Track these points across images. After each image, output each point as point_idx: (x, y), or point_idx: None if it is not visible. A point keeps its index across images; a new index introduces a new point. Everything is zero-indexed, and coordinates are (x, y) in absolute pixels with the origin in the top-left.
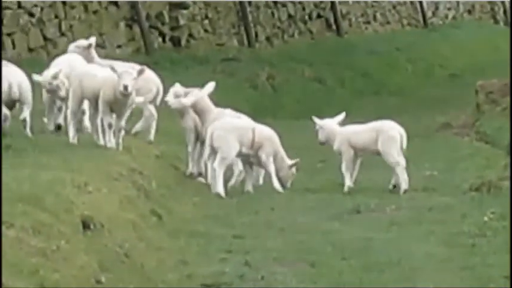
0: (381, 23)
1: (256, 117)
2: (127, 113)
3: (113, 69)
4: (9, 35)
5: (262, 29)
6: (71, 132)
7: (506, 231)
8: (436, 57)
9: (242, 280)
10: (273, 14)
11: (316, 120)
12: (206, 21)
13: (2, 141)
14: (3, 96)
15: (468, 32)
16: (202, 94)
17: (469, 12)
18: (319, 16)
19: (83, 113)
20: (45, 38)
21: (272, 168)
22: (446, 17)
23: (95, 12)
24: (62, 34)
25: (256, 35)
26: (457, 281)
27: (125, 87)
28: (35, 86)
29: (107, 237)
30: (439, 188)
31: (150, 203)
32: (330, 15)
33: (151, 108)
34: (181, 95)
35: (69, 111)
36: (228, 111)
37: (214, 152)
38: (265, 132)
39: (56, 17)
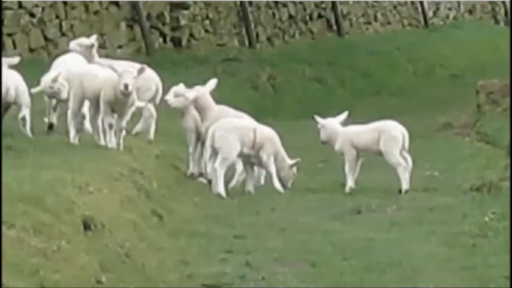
0: (381, 23)
1: (257, 117)
2: (128, 113)
3: (113, 69)
4: (10, 35)
5: (263, 29)
6: (72, 132)
7: (507, 231)
8: (437, 58)
9: (243, 280)
10: (273, 14)
11: (319, 119)
12: (207, 22)
13: (2, 141)
14: None
15: (469, 32)
16: (204, 90)
17: (470, 12)
18: (320, 16)
19: (83, 117)
20: (46, 39)
21: (273, 169)
22: (447, 17)
23: (95, 12)
24: (63, 34)
25: (257, 35)
26: (458, 281)
27: (126, 86)
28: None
29: (108, 238)
30: (439, 188)
31: (150, 203)
32: (331, 15)
33: (151, 107)
34: (181, 95)
35: (69, 112)
36: (227, 109)
37: (215, 152)
38: (266, 133)
39: (57, 17)
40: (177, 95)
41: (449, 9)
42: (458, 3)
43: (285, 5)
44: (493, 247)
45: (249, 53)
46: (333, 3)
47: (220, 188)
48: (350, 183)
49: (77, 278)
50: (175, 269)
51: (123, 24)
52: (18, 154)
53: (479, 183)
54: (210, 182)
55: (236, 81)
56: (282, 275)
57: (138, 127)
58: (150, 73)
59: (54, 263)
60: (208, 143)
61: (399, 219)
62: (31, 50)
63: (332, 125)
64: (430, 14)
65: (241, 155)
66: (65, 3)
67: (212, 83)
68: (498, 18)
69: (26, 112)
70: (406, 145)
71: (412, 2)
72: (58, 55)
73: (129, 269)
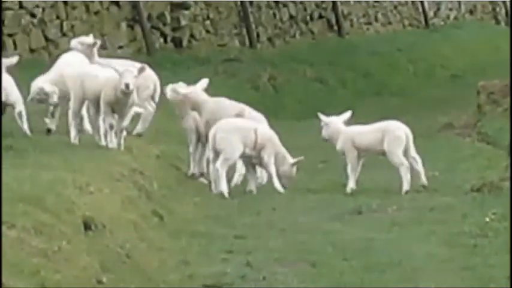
0: (382, 23)
1: None
2: (129, 114)
3: (114, 69)
4: (10, 35)
5: (263, 30)
6: (72, 132)
7: (507, 231)
8: (438, 58)
9: (243, 280)
10: (274, 14)
11: (322, 117)
12: (208, 22)
13: (1, 141)
14: None
15: (470, 33)
16: (194, 88)
17: (471, 12)
18: (320, 17)
19: (81, 118)
20: (46, 39)
21: (273, 169)
22: (448, 17)
23: (96, 12)
24: (64, 35)
25: (258, 36)
26: (458, 281)
27: (127, 86)
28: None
29: (108, 238)
30: (440, 188)
31: (151, 203)
32: (332, 15)
33: (149, 104)
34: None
35: (70, 112)
36: (224, 100)
37: (217, 155)
38: (266, 133)
39: (58, 17)
40: (175, 91)
41: (450, 9)
42: (459, 3)
43: (285, 5)
44: (493, 247)
45: (250, 53)
46: (334, 3)
47: (224, 187)
48: (351, 184)
49: (78, 278)
50: (176, 269)
51: (123, 25)
52: (18, 154)
53: (479, 184)
54: (210, 182)
55: (237, 81)
56: (282, 275)
57: (139, 128)
58: (148, 72)
59: (55, 263)
60: (210, 145)
61: (400, 220)
62: (32, 51)
63: (335, 124)
64: (430, 14)
65: (243, 155)
66: (65, 3)
67: (204, 82)
68: (499, 19)
69: (21, 108)
70: (412, 145)
71: (412, 2)
72: (59, 55)
73: (129, 269)
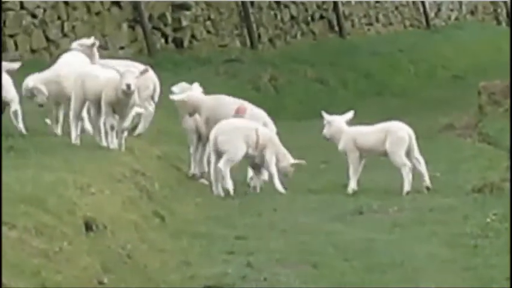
0: (383, 24)
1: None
2: (130, 114)
3: (115, 69)
4: (11, 36)
5: (264, 30)
6: (73, 133)
7: (508, 232)
8: (439, 59)
9: (244, 281)
10: (275, 15)
11: (325, 115)
12: (209, 23)
13: (1, 140)
14: None
15: (471, 33)
16: (188, 94)
17: (472, 13)
18: (321, 17)
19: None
20: (47, 39)
21: (274, 169)
22: (449, 18)
23: (97, 13)
24: (65, 35)
25: (259, 36)
26: (459, 282)
27: (128, 86)
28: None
29: (110, 239)
30: (441, 189)
31: (152, 204)
32: (333, 16)
33: (149, 104)
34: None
35: (71, 113)
36: (223, 97)
37: (219, 156)
38: (267, 133)
39: (59, 18)
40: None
41: (451, 10)
42: (460, 4)
43: (286, 6)
44: (494, 248)
45: (251, 54)
46: (335, 4)
47: (229, 184)
48: (353, 185)
49: (79, 278)
50: (177, 270)
51: (124, 25)
52: (19, 155)
53: (481, 184)
54: (211, 183)
55: (238, 82)
56: (283, 276)
57: (140, 128)
58: (148, 72)
59: (56, 263)
60: (210, 147)
61: (401, 220)
62: (33, 51)
63: (338, 123)
64: (431, 15)
65: (246, 156)
66: (66, 4)
67: (195, 87)
68: (500, 19)
69: (17, 107)
70: (415, 146)
71: (413, 3)
72: (60, 56)
73: (130, 270)
